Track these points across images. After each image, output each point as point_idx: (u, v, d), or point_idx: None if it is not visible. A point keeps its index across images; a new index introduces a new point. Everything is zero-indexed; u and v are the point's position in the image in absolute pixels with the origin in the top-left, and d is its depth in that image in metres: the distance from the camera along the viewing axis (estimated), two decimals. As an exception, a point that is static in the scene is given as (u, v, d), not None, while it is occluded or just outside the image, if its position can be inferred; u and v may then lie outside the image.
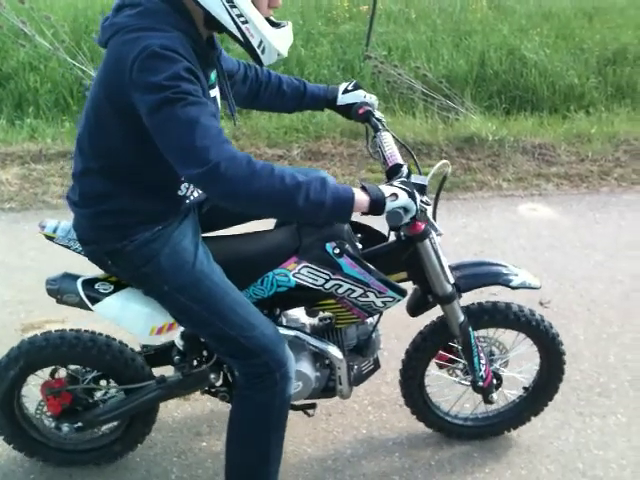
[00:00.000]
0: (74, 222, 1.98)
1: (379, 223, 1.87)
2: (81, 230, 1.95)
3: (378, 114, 2.25)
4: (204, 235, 2.06)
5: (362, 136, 4.91)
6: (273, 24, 1.75)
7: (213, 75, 1.86)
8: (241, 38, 1.71)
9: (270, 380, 1.94)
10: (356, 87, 2.28)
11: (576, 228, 4.30)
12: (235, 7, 1.65)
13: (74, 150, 1.90)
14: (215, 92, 1.86)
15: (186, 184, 1.89)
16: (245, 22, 1.68)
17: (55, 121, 5.40)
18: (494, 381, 2.36)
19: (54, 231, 2.05)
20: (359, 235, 2.15)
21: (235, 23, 1.68)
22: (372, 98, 2.28)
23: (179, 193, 1.91)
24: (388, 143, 2.12)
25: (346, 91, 2.27)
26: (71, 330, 2.17)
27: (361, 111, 2.22)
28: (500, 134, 5.26)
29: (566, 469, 2.46)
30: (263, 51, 1.75)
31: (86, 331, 2.18)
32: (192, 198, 1.97)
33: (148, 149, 1.66)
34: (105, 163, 1.80)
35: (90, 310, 2.03)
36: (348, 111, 2.27)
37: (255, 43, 1.72)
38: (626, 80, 6.47)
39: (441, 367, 2.47)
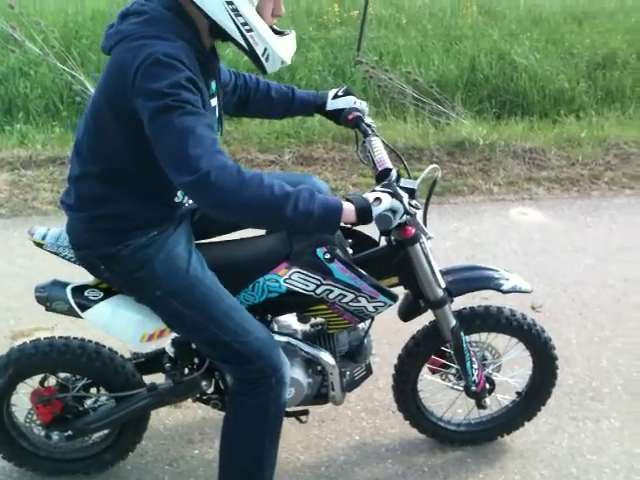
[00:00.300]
0: (67, 226, 1.96)
1: (370, 229, 1.87)
2: (75, 234, 1.94)
3: (368, 120, 2.24)
4: (195, 242, 2.05)
5: (353, 141, 4.91)
6: (277, 32, 1.77)
7: (214, 85, 1.87)
8: (246, 46, 1.74)
9: (265, 386, 1.93)
10: (346, 93, 2.28)
11: (567, 232, 4.31)
12: (240, 16, 1.68)
13: (71, 154, 1.90)
14: (215, 102, 1.88)
15: None
16: (250, 30, 1.70)
17: (45, 127, 5.38)
18: (487, 386, 2.36)
19: (43, 238, 2.03)
20: (350, 240, 2.15)
21: (240, 31, 1.70)
22: (362, 104, 2.28)
23: (176, 200, 1.92)
24: (377, 148, 2.12)
25: (336, 96, 2.28)
26: (60, 337, 2.15)
27: (350, 117, 2.22)
28: (491, 138, 5.27)
29: (560, 474, 2.45)
30: (267, 59, 1.77)
31: (75, 338, 2.16)
32: (187, 205, 1.97)
33: (147, 155, 1.66)
34: (103, 167, 1.80)
35: (80, 317, 2.02)
36: (338, 116, 2.27)
37: (259, 51, 1.75)
38: (615, 84, 6.51)
39: (434, 372, 2.47)
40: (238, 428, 2.02)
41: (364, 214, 1.69)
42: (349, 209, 1.68)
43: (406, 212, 1.75)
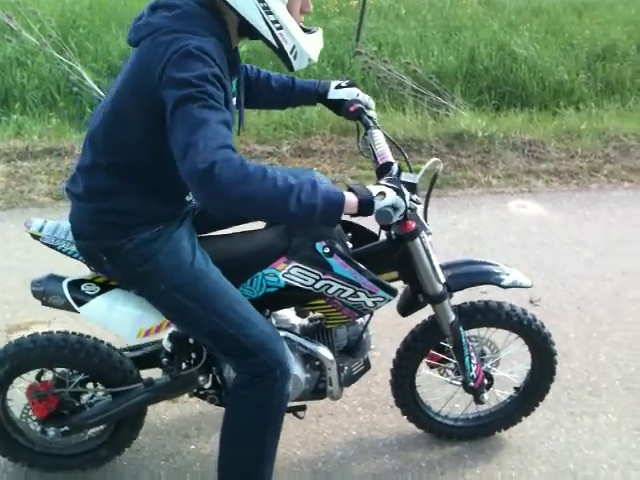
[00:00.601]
0: (71, 215, 1.94)
1: (370, 222, 1.85)
2: (78, 224, 1.92)
3: (370, 112, 2.22)
4: (194, 236, 2.03)
5: (352, 133, 4.88)
6: (304, 30, 1.79)
7: (234, 84, 1.87)
8: (275, 44, 1.75)
9: (270, 379, 1.93)
10: (350, 85, 2.26)
11: (566, 225, 4.30)
12: (271, 14, 1.69)
13: (83, 144, 1.88)
14: (234, 101, 1.87)
15: None
16: (280, 28, 1.72)
17: (42, 117, 5.33)
18: (485, 381, 2.35)
19: (40, 230, 2.01)
20: (349, 234, 2.13)
21: (270, 29, 1.72)
22: (365, 97, 2.26)
23: (187, 198, 1.91)
24: (379, 141, 2.10)
25: (339, 87, 2.25)
26: (58, 332, 2.13)
27: (352, 108, 2.20)
28: (490, 130, 5.24)
29: (557, 470, 2.45)
30: (295, 56, 1.79)
31: (74, 333, 2.14)
32: (194, 202, 1.96)
33: (163, 150, 1.65)
34: (117, 159, 1.79)
35: (76, 312, 2.00)
36: (339, 107, 2.25)
37: (288, 49, 1.76)
38: (615, 76, 6.46)
39: (432, 367, 2.46)
40: (240, 422, 2.02)
41: (366, 207, 1.68)
42: (351, 201, 1.65)
43: (407, 209, 1.74)
